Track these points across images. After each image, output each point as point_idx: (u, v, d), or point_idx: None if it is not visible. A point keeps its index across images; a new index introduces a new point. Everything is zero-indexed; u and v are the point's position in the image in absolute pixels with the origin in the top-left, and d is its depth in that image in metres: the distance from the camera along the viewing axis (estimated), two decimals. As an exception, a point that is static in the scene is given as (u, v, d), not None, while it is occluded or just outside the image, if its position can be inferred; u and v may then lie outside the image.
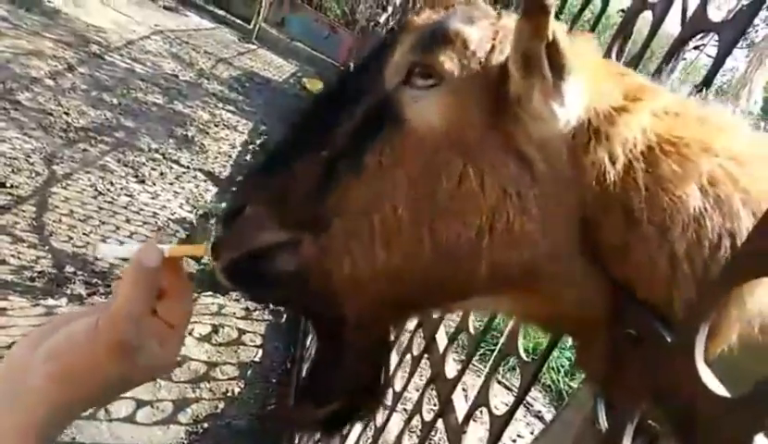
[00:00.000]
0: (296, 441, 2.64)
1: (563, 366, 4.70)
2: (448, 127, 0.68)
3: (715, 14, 0.96)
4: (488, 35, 0.70)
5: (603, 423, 0.70)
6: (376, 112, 0.71)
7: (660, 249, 0.63)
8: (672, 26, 1.14)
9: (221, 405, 2.99)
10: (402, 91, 0.71)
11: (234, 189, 0.73)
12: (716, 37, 0.93)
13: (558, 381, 4.60)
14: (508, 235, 0.66)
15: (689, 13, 1.02)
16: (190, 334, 3.25)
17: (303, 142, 0.75)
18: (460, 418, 1.28)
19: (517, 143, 0.67)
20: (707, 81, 0.92)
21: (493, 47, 0.70)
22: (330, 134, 0.72)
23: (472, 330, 1.44)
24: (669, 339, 0.56)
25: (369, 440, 1.95)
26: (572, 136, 0.67)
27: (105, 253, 0.81)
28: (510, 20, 0.74)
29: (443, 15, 0.74)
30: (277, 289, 0.75)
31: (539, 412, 4.34)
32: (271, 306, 3.86)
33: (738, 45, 0.94)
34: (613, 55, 1.17)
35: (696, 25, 0.97)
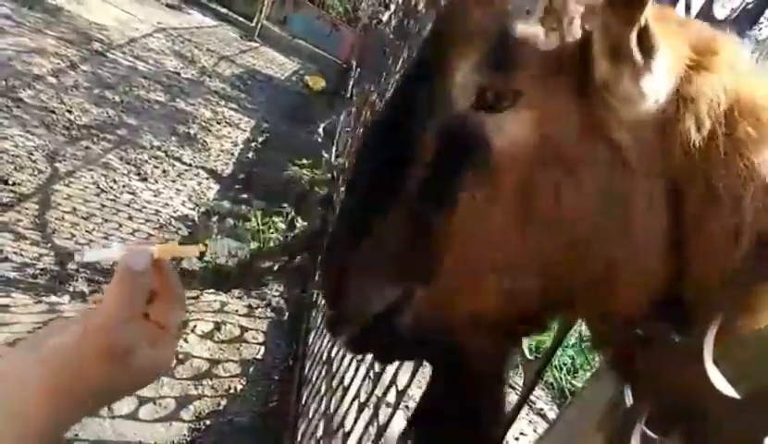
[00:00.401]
0: (298, 439, 2.64)
1: (565, 364, 4.70)
2: (537, 142, 0.64)
3: (720, 12, 0.96)
4: (552, 25, 0.65)
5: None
6: (453, 141, 0.66)
7: (731, 218, 0.60)
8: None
9: (223, 402, 3.00)
10: (477, 115, 0.66)
11: (329, 263, 0.70)
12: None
13: (561, 379, 4.60)
14: (615, 232, 0.64)
15: (693, 10, 1.01)
16: (192, 331, 3.26)
17: (379, 190, 0.70)
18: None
19: (608, 131, 0.64)
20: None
21: (562, 38, 0.65)
22: (405, 174, 0.68)
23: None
24: (677, 340, 0.56)
25: (372, 438, 1.95)
26: (662, 111, 0.64)
27: (90, 258, 0.81)
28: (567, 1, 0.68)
29: (497, 13, 0.67)
30: (403, 343, 0.73)
31: (542, 410, 4.34)
32: (273, 304, 3.86)
33: (743, 44, 0.94)
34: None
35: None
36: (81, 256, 0.80)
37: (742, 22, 0.90)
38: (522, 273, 0.65)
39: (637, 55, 0.61)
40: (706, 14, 0.96)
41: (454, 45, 0.69)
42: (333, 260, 0.75)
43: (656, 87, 0.63)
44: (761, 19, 0.93)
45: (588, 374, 4.59)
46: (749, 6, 0.92)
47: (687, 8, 1.07)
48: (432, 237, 0.66)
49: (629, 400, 0.71)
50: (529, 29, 0.64)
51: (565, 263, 0.65)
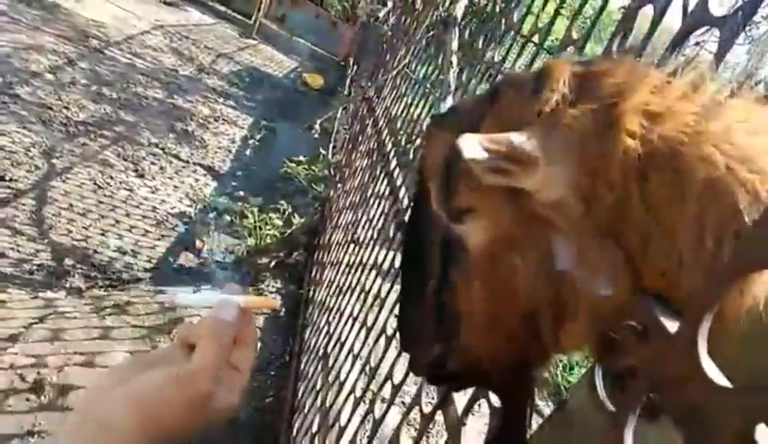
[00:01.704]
0: (294, 434, 2.65)
1: (561, 361, 4.71)
2: (492, 238, 0.80)
3: (717, 9, 0.96)
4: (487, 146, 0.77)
5: (607, 403, 0.73)
6: (446, 246, 0.88)
7: (666, 257, 0.68)
8: (670, 20, 1.14)
9: (220, 399, 2.99)
10: (453, 227, 0.85)
11: (402, 333, 0.95)
12: (716, 33, 0.93)
13: (556, 375, 4.61)
14: (575, 291, 0.74)
15: (690, 8, 1.02)
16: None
17: (417, 284, 0.96)
18: (459, 411, 1.29)
19: (537, 212, 0.74)
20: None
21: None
22: (427, 271, 0.92)
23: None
24: (671, 331, 0.57)
25: (367, 433, 1.96)
26: (575, 184, 0.72)
27: (182, 301, 0.89)
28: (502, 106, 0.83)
29: (446, 145, 0.79)
30: (453, 378, 1.03)
31: (537, 405, 4.35)
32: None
33: (740, 42, 0.94)
34: (614, 50, 1.17)
35: (697, 20, 0.97)
36: (174, 297, 0.90)
37: (737, 20, 0.90)
38: (511, 328, 0.83)
39: (517, 170, 0.72)
40: (703, 11, 0.97)
41: (426, 179, 0.93)
42: (403, 332, 1.05)
43: (555, 174, 0.72)
44: (757, 18, 0.94)
45: (584, 370, 4.61)
46: (737, 8, 0.92)
47: (685, 6, 1.07)
48: (447, 310, 0.89)
49: (600, 382, 0.75)
50: (471, 150, 0.74)
51: (536, 318, 0.79)
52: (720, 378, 0.52)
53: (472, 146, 0.71)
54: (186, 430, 0.75)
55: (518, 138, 0.72)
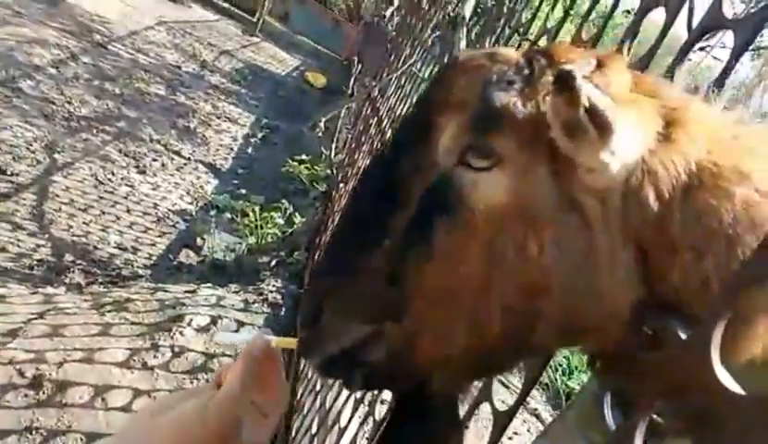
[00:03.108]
0: (293, 434, 2.63)
1: (560, 365, 4.70)
2: (511, 201, 0.70)
3: (730, 12, 0.95)
4: (529, 95, 0.71)
5: (610, 420, 0.70)
6: (434, 196, 0.73)
7: (694, 272, 0.66)
8: (678, 26, 1.13)
9: (219, 397, 2.98)
10: (458, 173, 0.72)
11: (309, 290, 0.77)
12: (723, 39, 0.92)
13: (556, 379, 4.60)
14: (576, 291, 0.69)
15: (700, 12, 1.01)
16: (188, 325, 3.25)
17: (362, 236, 0.77)
18: (461, 414, 1.28)
19: (574, 197, 0.69)
20: (721, 80, 0.91)
21: (538, 107, 0.71)
22: (388, 223, 0.74)
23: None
24: (685, 338, 0.56)
25: (367, 435, 1.95)
26: (627, 180, 0.69)
27: (222, 340, 0.91)
28: (544, 65, 0.74)
29: (480, 84, 0.73)
30: (368, 376, 0.80)
31: (536, 409, 4.34)
32: (270, 299, 3.86)
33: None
34: (624, 55, 1.16)
35: (711, 22, 0.96)
36: (215, 337, 0.92)
37: (753, 22, 0.89)
38: (485, 323, 0.71)
39: (592, 132, 0.65)
40: (716, 13, 0.96)
41: (442, 108, 0.77)
42: (314, 289, 0.83)
43: (618, 159, 0.68)
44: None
45: (583, 375, 4.60)
46: (753, 12, 0.91)
47: (690, 11, 1.06)
48: (405, 281, 0.72)
49: (608, 400, 0.73)
50: (510, 98, 0.71)
51: (527, 313, 0.70)
52: (734, 385, 0.51)
53: (582, 82, 0.63)
54: None
55: (608, 101, 0.66)
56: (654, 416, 0.60)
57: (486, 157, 0.71)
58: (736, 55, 0.90)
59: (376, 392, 1.90)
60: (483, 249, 0.70)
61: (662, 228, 0.68)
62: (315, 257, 4.25)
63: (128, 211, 4.29)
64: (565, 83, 0.62)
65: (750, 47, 0.99)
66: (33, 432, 2.30)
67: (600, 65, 0.71)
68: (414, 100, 0.89)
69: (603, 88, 0.67)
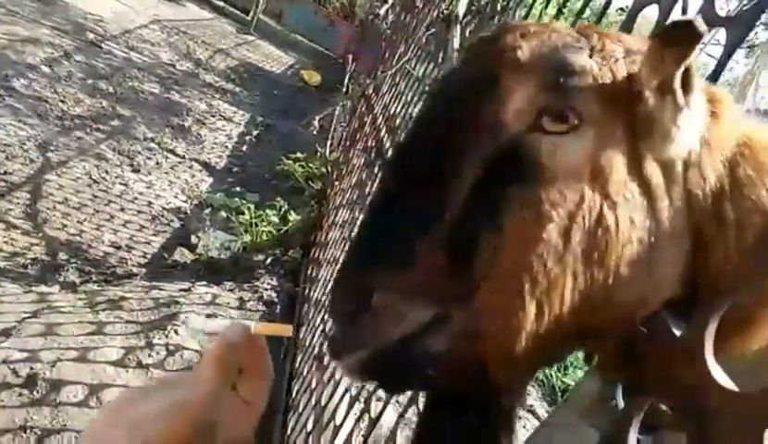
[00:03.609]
0: (288, 432, 2.63)
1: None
2: (588, 169, 0.66)
3: (723, 10, 0.95)
4: (601, 62, 0.69)
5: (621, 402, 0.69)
6: (503, 162, 0.66)
7: (736, 245, 0.67)
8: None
9: (214, 396, 2.98)
10: (533, 138, 0.66)
11: (344, 277, 0.65)
12: (716, 36, 0.93)
13: (551, 376, 4.61)
14: (639, 269, 0.66)
15: (693, 10, 1.01)
16: (183, 323, 3.24)
17: (413, 208, 0.68)
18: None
19: (643, 166, 0.67)
20: (715, 77, 0.91)
21: (613, 73, 0.68)
22: (445, 193, 0.66)
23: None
24: (678, 335, 0.56)
25: (362, 432, 1.95)
26: (688, 153, 0.69)
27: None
28: (602, 39, 0.71)
29: (548, 47, 0.69)
30: (426, 371, 0.68)
31: (532, 406, 4.35)
32: (265, 297, 3.85)
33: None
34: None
35: (703, 19, 0.97)
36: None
37: (745, 20, 0.89)
38: (558, 302, 0.64)
39: (679, 92, 0.65)
40: (708, 11, 0.96)
41: (509, 67, 0.69)
42: (358, 268, 0.70)
43: (690, 127, 0.68)
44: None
45: (579, 371, 4.61)
46: (746, 9, 0.92)
47: (684, 10, 1.06)
48: (474, 258, 0.64)
49: (620, 395, 0.71)
50: (585, 60, 0.67)
51: (595, 293, 0.65)
52: (728, 382, 0.51)
53: (680, 48, 0.61)
54: None
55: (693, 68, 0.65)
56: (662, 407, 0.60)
57: (564, 120, 0.65)
58: (728, 53, 0.90)
59: (370, 390, 1.91)
60: (561, 220, 0.63)
61: (715, 204, 0.69)
62: (311, 255, 4.25)
63: (122, 209, 4.28)
64: (687, 36, 0.60)
65: (744, 44, 0.99)
66: (28, 431, 2.30)
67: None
68: (459, 60, 0.80)
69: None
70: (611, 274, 0.64)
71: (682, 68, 0.63)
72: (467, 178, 0.66)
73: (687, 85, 0.65)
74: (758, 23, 0.93)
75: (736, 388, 0.50)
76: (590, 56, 0.68)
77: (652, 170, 0.67)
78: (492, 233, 0.63)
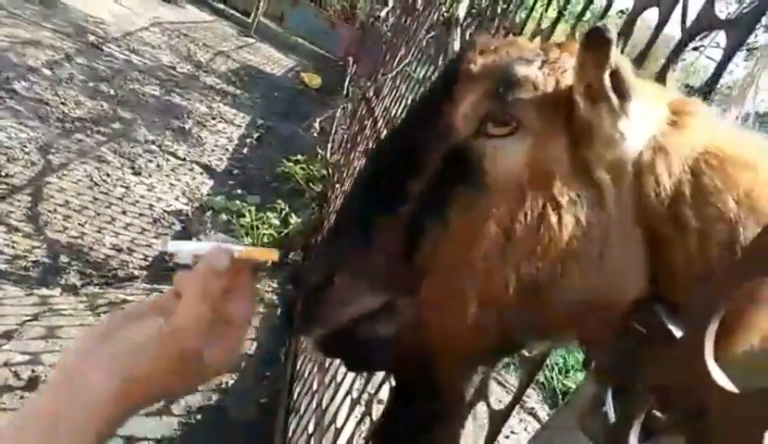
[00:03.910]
0: (290, 435, 2.63)
1: (557, 364, 4.71)
2: (531, 170, 0.70)
3: (723, 13, 0.96)
4: (548, 72, 0.73)
5: (611, 412, 0.70)
6: (451, 164, 0.72)
7: (699, 253, 0.68)
8: (669, 27, 1.14)
9: (215, 397, 2.98)
10: (477, 141, 0.72)
11: (313, 258, 0.72)
12: (716, 39, 0.93)
13: (552, 379, 4.61)
14: (589, 266, 0.69)
15: (693, 13, 1.01)
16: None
17: (376, 202, 0.75)
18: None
19: (590, 168, 0.69)
20: (714, 79, 0.91)
21: (557, 82, 0.73)
22: (404, 191, 0.72)
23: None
24: (678, 335, 0.56)
25: (363, 435, 1.95)
26: (639, 155, 0.70)
27: (174, 249, 0.80)
28: (559, 52, 0.77)
29: (500, 60, 0.76)
30: (375, 354, 0.75)
31: (533, 409, 4.35)
32: (266, 300, 3.86)
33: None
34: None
35: (704, 22, 0.97)
36: (164, 245, 0.81)
37: (745, 23, 0.89)
38: (500, 296, 0.68)
39: (613, 98, 0.67)
40: (709, 14, 0.96)
41: (462, 79, 0.77)
42: (325, 251, 0.79)
43: (632, 131, 0.70)
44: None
45: (580, 374, 4.61)
46: (745, 12, 0.92)
47: (684, 11, 1.07)
48: (421, 251, 0.70)
49: (610, 399, 0.73)
50: (530, 69, 0.73)
51: (542, 289, 0.69)
52: (727, 383, 0.51)
53: (603, 51, 0.64)
54: (178, 390, 0.72)
55: (632, 72, 0.68)
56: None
57: (505, 124, 0.71)
58: (727, 56, 0.91)
59: (372, 392, 1.91)
60: (502, 219, 0.68)
61: (672, 208, 0.69)
62: (312, 254, 4.25)
63: (123, 212, 4.28)
64: (598, 40, 0.63)
65: (743, 47, 0.99)
66: (29, 434, 2.29)
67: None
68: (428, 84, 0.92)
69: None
70: (557, 269, 0.68)
71: (606, 74, 0.65)
72: (427, 174, 0.72)
73: (620, 90, 0.67)
74: (757, 26, 0.93)
75: (736, 390, 0.50)
76: (540, 68, 0.73)
77: (600, 174, 0.69)
78: (438, 228, 0.69)
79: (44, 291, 3.18)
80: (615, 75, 0.66)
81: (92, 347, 0.67)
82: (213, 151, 6.08)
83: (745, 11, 0.93)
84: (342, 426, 2.06)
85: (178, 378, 0.70)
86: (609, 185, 0.69)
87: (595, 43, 0.63)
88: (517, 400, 1.08)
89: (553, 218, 0.67)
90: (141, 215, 4.37)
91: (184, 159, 5.55)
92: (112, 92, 6.10)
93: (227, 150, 6.31)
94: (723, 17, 0.96)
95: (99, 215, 4.10)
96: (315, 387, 2.60)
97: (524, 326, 0.72)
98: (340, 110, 7.44)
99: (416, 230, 0.70)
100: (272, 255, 0.80)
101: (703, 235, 0.67)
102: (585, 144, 0.70)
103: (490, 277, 0.68)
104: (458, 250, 0.69)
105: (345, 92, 9.16)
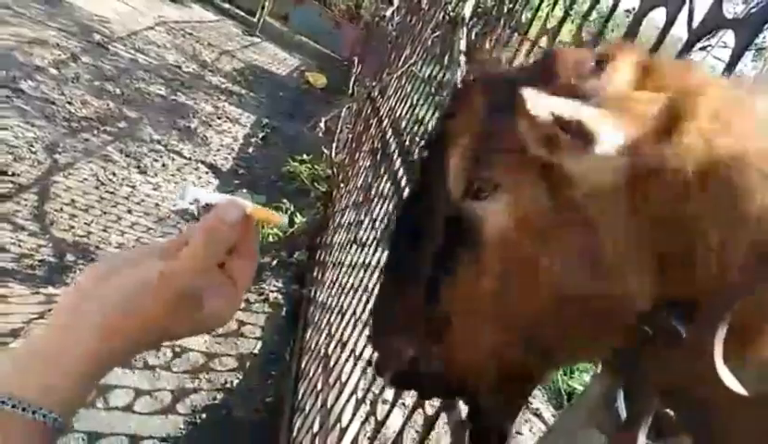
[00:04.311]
0: (294, 434, 2.64)
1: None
2: (516, 224, 0.71)
3: (729, 13, 0.95)
4: (511, 121, 0.72)
5: (623, 411, 0.70)
6: (451, 226, 0.77)
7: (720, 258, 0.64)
8: (677, 28, 1.13)
9: (220, 396, 2.99)
10: (467, 203, 0.76)
11: (373, 322, 0.88)
12: (723, 39, 0.93)
13: (557, 379, 4.60)
14: (590, 286, 0.69)
15: (700, 12, 1.01)
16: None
17: (405, 269, 0.85)
18: (464, 413, 1.28)
19: (575, 207, 0.69)
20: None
21: (516, 129, 0.72)
22: (422, 255, 0.80)
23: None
24: (685, 336, 0.56)
25: (368, 435, 1.95)
26: (620, 179, 0.68)
27: (192, 196, 0.81)
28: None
29: (475, 114, 0.77)
30: (430, 387, 0.90)
31: (538, 409, 4.34)
32: (271, 299, 3.86)
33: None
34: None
35: (711, 22, 0.97)
36: (183, 194, 0.82)
37: (754, 22, 0.89)
38: (506, 333, 0.74)
39: (570, 142, 0.66)
40: (716, 13, 0.96)
41: (447, 140, 0.80)
42: (376, 321, 0.92)
43: (608, 161, 0.67)
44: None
45: (585, 375, 4.60)
46: (754, 11, 0.91)
47: (690, 11, 1.06)
48: (439, 305, 0.77)
49: (621, 398, 0.73)
50: (494, 125, 0.74)
51: (545, 324, 0.73)
52: (736, 386, 0.51)
53: (537, 101, 0.64)
54: (178, 331, 0.73)
55: (586, 110, 0.66)
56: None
57: (487, 185, 0.74)
58: (736, 56, 0.90)
59: (377, 392, 1.91)
60: (500, 272, 0.72)
61: (677, 225, 0.66)
62: (317, 257, 4.26)
63: (129, 211, 4.29)
64: (520, 105, 0.64)
65: (752, 47, 0.99)
66: (35, 432, 2.30)
67: (603, 62, 0.72)
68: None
69: (595, 90, 0.69)
70: (560, 304, 0.70)
71: (546, 128, 0.64)
72: (437, 237, 0.78)
73: (576, 134, 0.65)
74: (766, 26, 0.92)
75: (745, 393, 0.50)
76: (506, 117, 0.72)
77: (587, 203, 0.68)
78: (449, 285, 0.76)
79: (50, 290, 3.19)
80: (560, 124, 0.64)
81: (91, 286, 0.69)
82: (218, 150, 6.09)
83: (753, 10, 0.92)
84: (347, 426, 2.07)
85: (174, 319, 0.70)
86: (598, 213, 0.68)
87: (518, 107, 0.64)
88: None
89: (545, 261, 0.69)
90: (146, 213, 4.38)
91: (190, 158, 5.55)
92: (118, 91, 6.12)
93: (232, 149, 6.31)
94: (730, 16, 0.95)
95: (105, 213, 4.11)
96: (319, 386, 2.60)
97: (538, 358, 0.77)
98: (345, 110, 7.44)
99: (433, 289, 0.78)
100: (281, 219, 0.85)
101: (724, 240, 0.64)
102: (564, 186, 0.69)
103: (499, 322, 0.74)
104: (467, 302, 0.75)
105: (350, 92, 9.17)
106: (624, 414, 0.67)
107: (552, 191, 0.70)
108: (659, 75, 0.74)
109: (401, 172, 2.68)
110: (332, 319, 2.92)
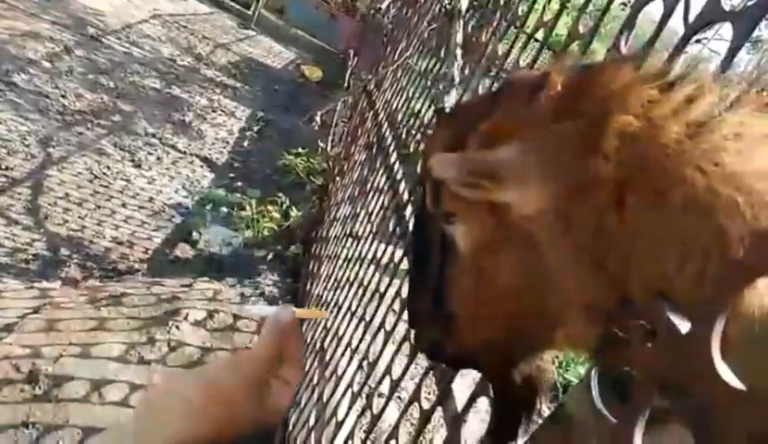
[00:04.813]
0: (290, 428, 2.64)
1: (557, 358, 4.71)
2: (474, 243, 0.85)
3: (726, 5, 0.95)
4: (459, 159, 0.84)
5: (597, 400, 0.78)
6: (442, 243, 0.91)
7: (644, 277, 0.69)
8: (673, 20, 1.13)
9: (216, 391, 2.98)
10: (444, 225, 0.90)
11: (409, 311, 1.05)
12: (719, 31, 0.92)
13: (553, 372, 4.61)
14: (544, 291, 0.78)
15: (697, 4, 1.00)
16: (185, 319, 3.24)
17: (422, 271, 1.01)
18: (459, 407, 1.28)
19: (517, 223, 0.77)
20: (720, 73, 0.90)
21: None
22: (430, 262, 0.95)
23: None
24: (683, 331, 0.55)
25: (364, 428, 1.95)
26: (546, 199, 0.73)
27: (253, 313, 0.95)
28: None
29: (437, 148, 0.91)
30: (451, 359, 1.08)
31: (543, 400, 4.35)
32: (266, 293, 3.86)
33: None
34: (622, 48, 1.15)
35: (709, 15, 0.96)
36: (245, 311, 0.97)
37: (752, 15, 0.88)
38: (493, 326, 0.88)
39: (484, 183, 0.76)
40: (714, 6, 0.95)
41: (422, 172, 0.96)
42: (410, 309, 1.10)
43: (528, 192, 0.74)
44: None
45: (580, 368, 4.61)
46: (752, 4, 0.91)
47: (687, 4, 1.06)
48: (444, 302, 0.92)
49: (595, 385, 0.79)
50: (445, 169, 0.83)
51: (515, 319, 0.84)
52: (734, 380, 0.51)
53: (442, 166, 0.80)
54: (246, 415, 0.78)
55: (494, 155, 0.76)
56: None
57: (448, 216, 0.87)
58: (734, 49, 0.90)
59: (372, 386, 1.91)
60: (475, 278, 0.86)
61: (609, 240, 0.69)
62: (312, 251, 4.25)
63: (123, 205, 4.28)
64: (433, 172, 0.81)
65: (749, 40, 0.98)
66: (30, 427, 2.30)
67: (539, 88, 0.78)
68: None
69: (524, 121, 0.77)
70: (520, 301, 0.82)
71: (456, 179, 0.79)
72: (437, 250, 0.93)
73: (486, 176, 0.76)
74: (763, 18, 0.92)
75: (743, 387, 0.50)
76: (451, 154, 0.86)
77: (527, 226, 0.76)
78: (446, 288, 0.91)
79: (44, 284, 3.18)
80: (473, 172, 0.77)
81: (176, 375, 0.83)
82: (213, 144, 6.07)
83: (750, 3, 0.92)
84: (343, 420, 2.07)
85: (248, 401, 0.78)
86: (539, 232, 0.75)
87: (431, 173, 0.82)
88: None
89: (501, 267, 0.82)
90: (141, 207, 4.37)
91: (184, 152, 5.54)
92: (112, 84, 6.09)
93: (227, 143, 6.30)
94: (727, 8, 0.95)
95: (99, 207, 4.10)
96: (315, 380, 2.60)
97: (521, 340, 0.87)
98: (340, 103, 7.42)
99: (439, 291, 0.93)
100: (324, 314, 1.07)
101: (649, 262, 0.67)
102: (502, 212, 0.78)
103: (484, 314, 0.88)
104: (459, 299, 0.90)
105: (346, 85, 9.15)
106: (599, 404, 0.75)
107: (495, 216, 0.80)
108: (580, 97, 0.75)
109: (396, 165, 2.67)
110: (328, 313, 2.91)
